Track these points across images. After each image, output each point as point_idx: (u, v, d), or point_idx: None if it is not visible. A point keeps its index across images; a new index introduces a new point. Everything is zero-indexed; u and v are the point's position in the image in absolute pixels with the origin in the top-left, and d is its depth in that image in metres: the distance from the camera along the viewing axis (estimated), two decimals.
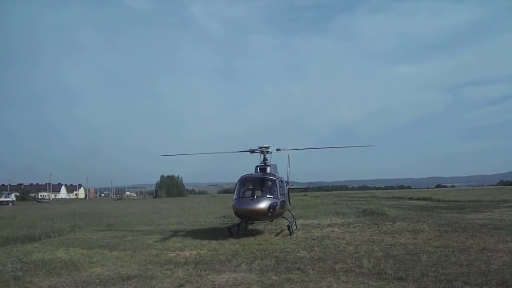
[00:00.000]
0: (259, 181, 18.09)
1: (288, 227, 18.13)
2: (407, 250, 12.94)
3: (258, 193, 17.30)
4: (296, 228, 19.14)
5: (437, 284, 8.72)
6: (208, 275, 10.44)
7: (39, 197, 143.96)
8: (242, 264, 11.60)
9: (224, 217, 28.00)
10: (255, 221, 19.74)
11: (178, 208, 46.77)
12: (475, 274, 9.52)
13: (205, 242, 16.25)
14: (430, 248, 13.15)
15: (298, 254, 13.06)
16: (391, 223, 20.94)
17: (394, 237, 16.11)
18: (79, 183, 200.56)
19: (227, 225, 21.15)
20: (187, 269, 11.16)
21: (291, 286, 9.12)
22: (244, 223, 18.93)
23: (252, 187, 17.86)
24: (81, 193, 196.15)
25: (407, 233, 17.06)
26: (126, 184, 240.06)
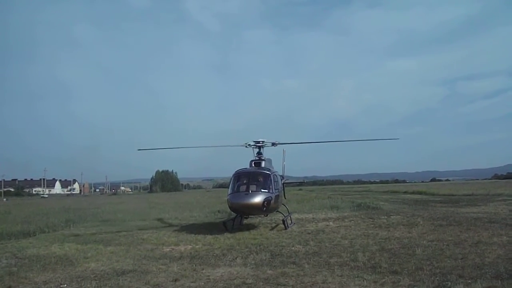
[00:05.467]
0: (254, 176, 18.03)
1: (283, 221, 18.15)
2: (401, 244, 12.98)
3: (252, 187, 17.24)
4: (291, 222, 19.17)
5: (432, 278, 8.74)
6: (203, 269, 10.42)
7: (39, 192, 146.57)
8: (237, 258, 11.58)
9: (219, 211, 28.02)
10: (250, 216, 19.73)
11: (173, 203, 46.78)
12: (470, 267, 9.57)
13: (200, 236, 16.24)
14: (424, 241, 13.21)
15: (293, 248, 13.06)
16: (386, 217, 21.05)
17: (389, 231, 16.16)
18: (74, 178, 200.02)
19: (222, 219, 21.14)
20: (182, 264, 11.14)
21: (286, 280, 9.10)
22: (239, 217, 18.91)
23: (246, 181, 17.75)
24: (76, 188, 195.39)
25: (401, 227, 17.13)
26: (121, 179, 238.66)
